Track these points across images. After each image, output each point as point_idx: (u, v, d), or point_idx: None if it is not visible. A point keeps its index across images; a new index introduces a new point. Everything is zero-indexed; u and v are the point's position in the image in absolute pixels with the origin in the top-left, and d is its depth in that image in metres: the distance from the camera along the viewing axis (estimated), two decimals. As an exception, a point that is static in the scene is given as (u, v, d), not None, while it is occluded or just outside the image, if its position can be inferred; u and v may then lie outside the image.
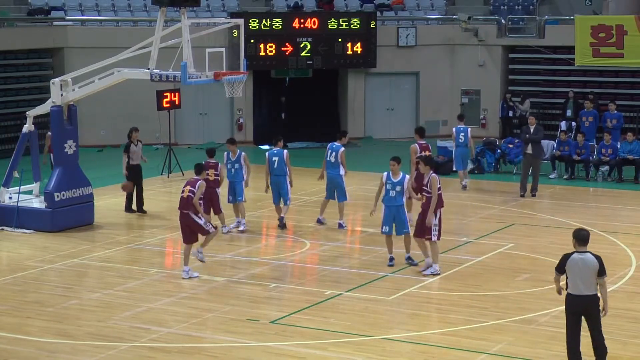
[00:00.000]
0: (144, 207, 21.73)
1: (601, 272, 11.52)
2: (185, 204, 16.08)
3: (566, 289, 11.67)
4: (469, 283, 15.99)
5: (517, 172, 26.11)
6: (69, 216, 20.02)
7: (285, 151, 19.76)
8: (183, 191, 16.17)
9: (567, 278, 11.63)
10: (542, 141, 27.39)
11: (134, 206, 21.71)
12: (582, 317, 11.65)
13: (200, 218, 16.11)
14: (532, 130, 23.65)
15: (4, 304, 14.93)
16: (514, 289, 15.63)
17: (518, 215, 21.62)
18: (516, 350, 12.75)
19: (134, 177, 21.54)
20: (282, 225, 19.85)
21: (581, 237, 11.58)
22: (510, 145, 27.20)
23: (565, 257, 11.61)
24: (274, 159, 19.61)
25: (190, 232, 16.18)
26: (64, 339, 13.27)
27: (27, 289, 15.78)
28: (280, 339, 13.24)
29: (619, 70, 31.77)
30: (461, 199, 23.79)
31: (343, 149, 19.77)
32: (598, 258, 11.55)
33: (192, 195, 16.00)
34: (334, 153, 19.73)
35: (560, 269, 11.66)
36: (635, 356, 12.65)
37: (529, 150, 23.63)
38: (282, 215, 19.91)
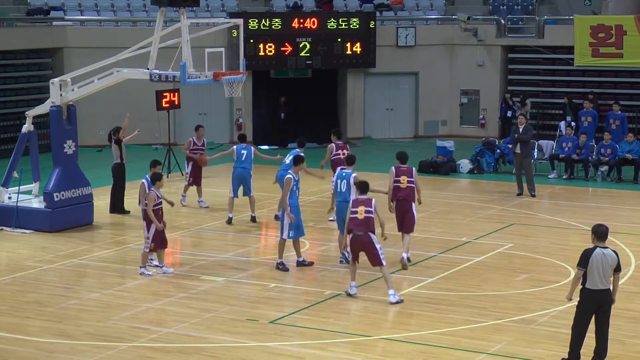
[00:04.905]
0: (125, 207, 21.65)
1: (618, 268, 11.76)
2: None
3: (582, 285, 11.74)
4: (469, 283, 15.98)
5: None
6: (68, 216, 20.00)
7: (253, 147, 20.71)
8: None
9: (585, 273, 11.71)
10: (542, 141, 27.47)
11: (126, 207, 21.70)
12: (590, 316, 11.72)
13: (147, 231, 16.53)
14: (520, 130, 23.68)
15: (4, 304, 14.91)
16: (513, 289, 15.63)
17: (517, 216, 21.62)
18: (515, 350, 12.74)
19: (121, 176, 21.54)
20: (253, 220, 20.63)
21: (601, 233, 11.76)
22: (510, 145, 27.18)
23: (588, 252, 11.70)
24: (242, 152, 20.41)
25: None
26: (63, 339, 13.27)
27: (26, 289, 15.77)
28: (279, 339, 13.24)
29: (618, 71, 31.75)
30: (461, 198, 23.80)
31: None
32: (616, 254, 11.77)
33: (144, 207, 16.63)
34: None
35: (584, 263, 11.69)
36: (635, 356, 12.65)
37: (518, 149, 23.67)
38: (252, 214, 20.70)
